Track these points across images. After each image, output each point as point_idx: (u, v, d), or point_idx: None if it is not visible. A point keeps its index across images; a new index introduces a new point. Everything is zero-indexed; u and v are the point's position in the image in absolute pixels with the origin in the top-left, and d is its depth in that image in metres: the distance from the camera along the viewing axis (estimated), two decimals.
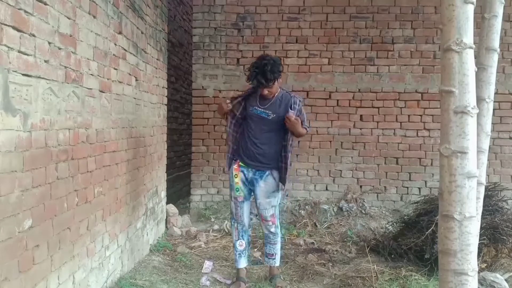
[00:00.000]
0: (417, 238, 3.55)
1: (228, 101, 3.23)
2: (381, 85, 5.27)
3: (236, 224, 3.31)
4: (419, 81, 5.24)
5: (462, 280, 1.66)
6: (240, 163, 3.25)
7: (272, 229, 3.30)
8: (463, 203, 1.66)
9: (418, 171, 5.27)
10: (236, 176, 3.25)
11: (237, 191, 3.26)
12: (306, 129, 3.21)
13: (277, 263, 3.41)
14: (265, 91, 3.10)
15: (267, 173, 3.22)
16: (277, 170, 3.22)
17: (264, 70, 2.99)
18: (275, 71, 3.03)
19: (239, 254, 3.31)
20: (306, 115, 3.31)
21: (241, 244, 3.30)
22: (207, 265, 3.69)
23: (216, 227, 4.84)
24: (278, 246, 3.38)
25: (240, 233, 3.30)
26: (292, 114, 3.07)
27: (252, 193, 3.30)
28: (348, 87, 5.28)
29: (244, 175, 3.25)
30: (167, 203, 4.83)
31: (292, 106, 3.15)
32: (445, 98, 1.69)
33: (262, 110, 3.16)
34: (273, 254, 3.36)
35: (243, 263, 3.34)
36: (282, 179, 3.23)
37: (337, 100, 5.30)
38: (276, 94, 3.18)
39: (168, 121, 4.92)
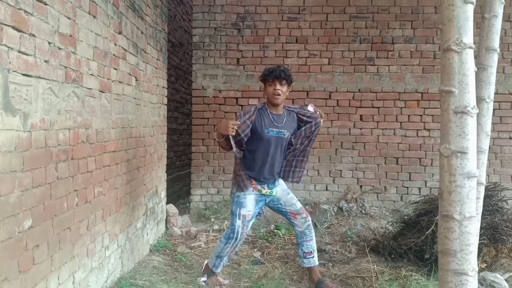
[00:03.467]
0: (417, 238, 3.55)
1: (235, 126, 3.01)
2: (381, 85, 5.27)
3: (234, 243, 3.19)
4: (419, 81, 5.24)
5: (462, 280, 1.66)
6: (255, 182, 3.15)
7: (308, 221, 3.23)
8: (463, 203, 1.66)
9: (418, 171, 5.27)
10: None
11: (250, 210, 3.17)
12: None
13: (317, 262, 3.29)
14: (278, 87, 3.08)
15: (277, 181, 3.26)
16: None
17: (280, 69, 3.15)
18: (290, 74, 3.18)
19: (223, 263, 3.31)
20: None
21: (229, 257, 3.35)
22: None
23: (216, 227, 4.85)
24: (315, 242, 3.30)
25: (234, 250, 3.27)
26: (314, 111, 3.28)
27: (263, 208, 3.31)
28: (348, 87, 5.28)
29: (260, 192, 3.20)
30: (167, 203, 4.83)
31: (302, 111, 3.27)
32: (445, 98, 1.69)
33: (279, 130, 3.15)
34: (311, 252, 3.25)
35: (220, 268, 3.34)
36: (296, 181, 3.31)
37: (337, 100, 5.30)
38: (283, 111, 3.21)
39: (168, 121, 4.92)
